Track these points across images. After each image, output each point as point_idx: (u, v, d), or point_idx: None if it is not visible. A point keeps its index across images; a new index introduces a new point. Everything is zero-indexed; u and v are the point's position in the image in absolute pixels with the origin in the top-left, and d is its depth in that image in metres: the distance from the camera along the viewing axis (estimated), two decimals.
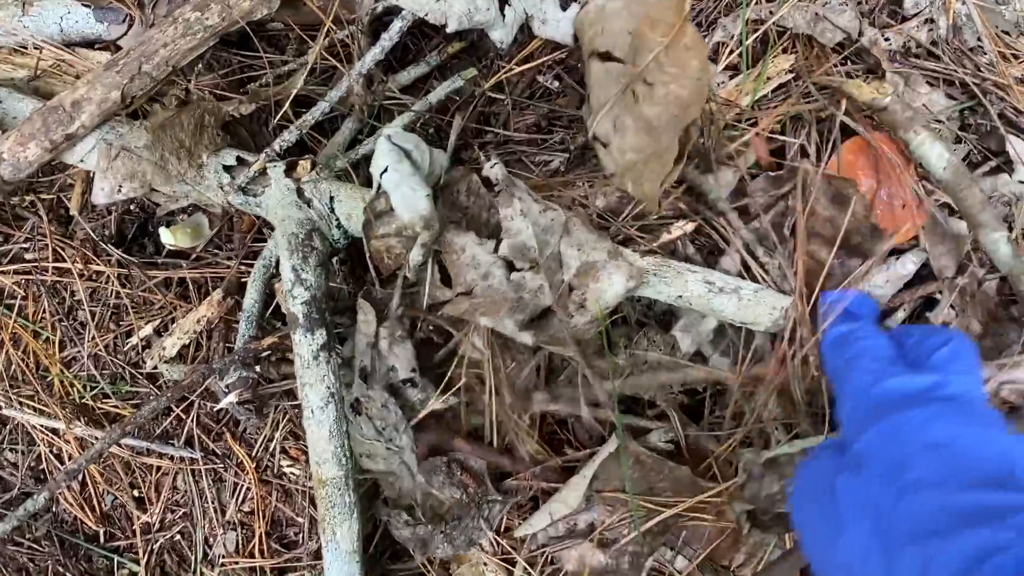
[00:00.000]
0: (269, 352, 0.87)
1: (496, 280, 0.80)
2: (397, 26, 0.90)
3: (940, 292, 0.86)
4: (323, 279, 0.87)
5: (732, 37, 0.93)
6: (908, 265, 0.87)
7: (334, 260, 0.95)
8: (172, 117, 0.87)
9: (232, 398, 0.87)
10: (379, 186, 0.80)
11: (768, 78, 0.91)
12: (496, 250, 0.81)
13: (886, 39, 0.91)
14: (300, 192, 0.88)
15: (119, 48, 0.96)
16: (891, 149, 0.86)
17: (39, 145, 0.85)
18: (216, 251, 0.97)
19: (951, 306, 0.85)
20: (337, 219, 0.89)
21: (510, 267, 0.81)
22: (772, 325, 0.84)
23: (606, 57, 0.79)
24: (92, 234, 0.96)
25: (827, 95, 0.90)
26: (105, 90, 0.85)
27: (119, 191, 0.86)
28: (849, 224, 0.83)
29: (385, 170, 0.79)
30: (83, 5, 0.95)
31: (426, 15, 0.87)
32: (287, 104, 0.90)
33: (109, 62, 0.86)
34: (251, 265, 0.94)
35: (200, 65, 0.95)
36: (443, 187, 0.85)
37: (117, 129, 0.88)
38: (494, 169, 0.86)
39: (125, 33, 0.95)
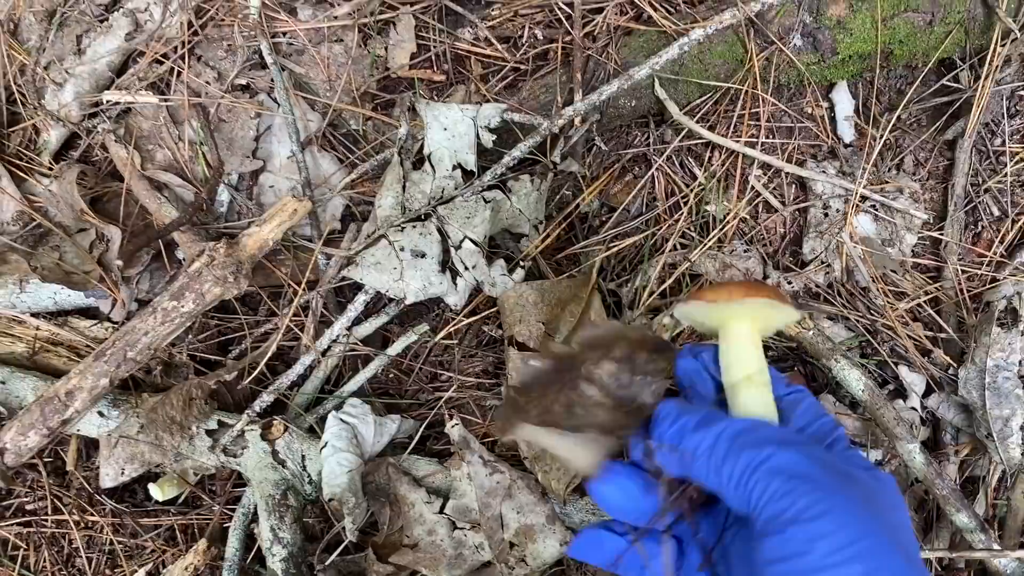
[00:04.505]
0: None
1: (439, 537, 0.91)
2: (361, 299, 1.02)
3: None
4: (299, 534, 0.97)
5: (650, 281, 1.04)
6: None
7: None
8: (163, 399, 0.97)
9: None
10: None
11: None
12: (442, 509, 0.92)
13: (788, 283, 1.03)
14: (275, 454, 0.98)
15: (110, 320, 1.07)
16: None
17: (38, 433, 0.95)
18: (201, 496, 1.06)
19: None
20: (309, 476, 0.99)
21: (454, 525, 0.91)
22: None
23: (523, 348, 0.91)
24: (87, 485, 1.06)
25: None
26: (95, 378, 0.96)
27: (123, 474, 0.96)
28: None
29: (325, 445, 0.92)
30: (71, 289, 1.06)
31: (387, 291, 0.98)
32: (260, 367, 1.01)
33: (97, 352, 0.96)
34: (233, 509, 1.03)
35: (189, 335, 1.06)
36: (365, 474, 0.95)
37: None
38: (454, 430, 0.97)
39: (112, 308, 1.06)
